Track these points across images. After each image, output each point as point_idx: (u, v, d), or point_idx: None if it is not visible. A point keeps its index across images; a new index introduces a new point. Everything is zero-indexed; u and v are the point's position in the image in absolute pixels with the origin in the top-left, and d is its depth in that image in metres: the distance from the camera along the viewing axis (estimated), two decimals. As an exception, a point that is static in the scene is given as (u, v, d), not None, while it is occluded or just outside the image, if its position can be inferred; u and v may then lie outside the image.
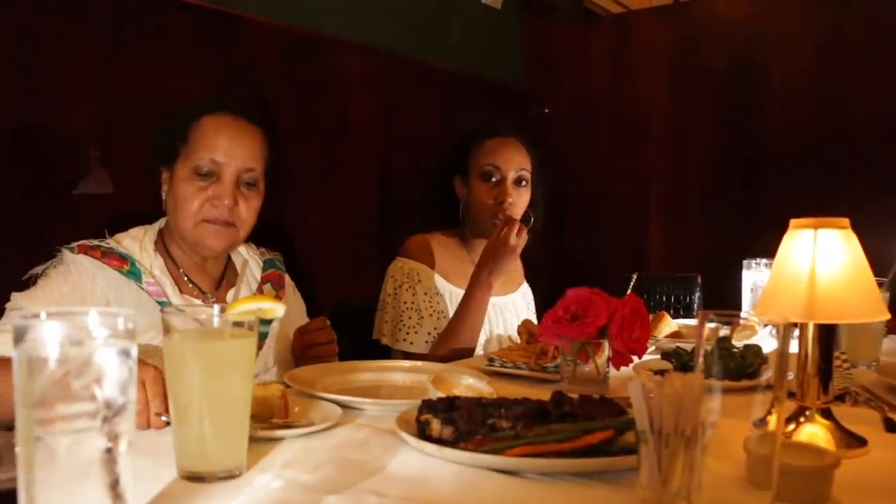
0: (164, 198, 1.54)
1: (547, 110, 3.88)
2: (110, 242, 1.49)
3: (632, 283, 1.73)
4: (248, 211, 1.52)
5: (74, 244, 1.45)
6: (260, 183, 1.55)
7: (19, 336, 0.58)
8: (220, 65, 2.27)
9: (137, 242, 1.51)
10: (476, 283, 1.89)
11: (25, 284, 1.45)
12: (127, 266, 1.45)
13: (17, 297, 1.38)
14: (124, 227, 1.56)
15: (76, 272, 1.41)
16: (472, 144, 2.10)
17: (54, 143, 1.88)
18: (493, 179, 2.05)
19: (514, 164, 2.05)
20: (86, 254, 1.43)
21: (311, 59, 2.61)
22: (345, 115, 2.77)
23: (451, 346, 1.87)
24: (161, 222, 1.59)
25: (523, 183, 2.07)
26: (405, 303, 2.01)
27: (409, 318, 2.00)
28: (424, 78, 3.14)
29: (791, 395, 1.03)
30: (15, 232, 1.80)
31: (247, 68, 2.36)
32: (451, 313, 1.99)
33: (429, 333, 1.98)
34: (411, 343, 1.98)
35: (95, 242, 1.47)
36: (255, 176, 1.53)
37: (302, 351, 1.57)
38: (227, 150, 1.48)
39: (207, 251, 1.53)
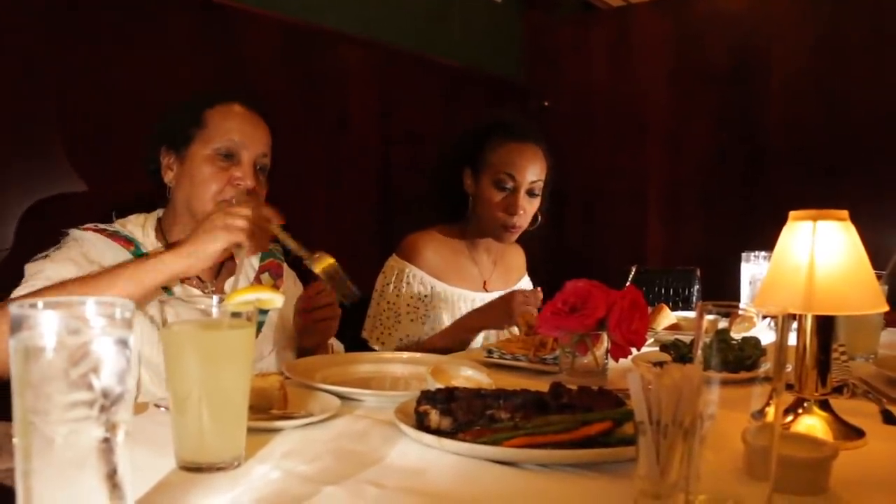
0: (168, 182, 1.54)
1: (546, 104, 3.87)
2: (115, 225, 1.50)
3: (631, 276, 1.73)
4: (260, 196, 1.54)
5: (81, 227, 1.46)
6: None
7: (16, 325, 0.58)
8: (221, 58, 2.26)
9: (140, 228, 1.53)
10: (468, 326, 1.88)
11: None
12: (132, 248, 1.46)
13: (33, 265, 1.38)
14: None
15: (86, 246, 1.42)
16: (489, 140, 2.02)
17: (50, 136, 1.87)
18: (507, 187, 1.98)
19: (531, 174, 1.98)
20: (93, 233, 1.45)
21: (312, 52, 2.60)
22: (345, 108, 2.76)
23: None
24: (159, 212, 1.59)
25: (535, 192, 2.01)
26: (388, 302, 2.00)
27: (388, 318, 2.00)
28: (425, 72, 3.13)
29: (789, 386, 1.03)
30: (12, 226, 1.80)
31: (247, 62, 2.36)
32: (439, 314, 1.99)
33: (400, 339, 1.97)
34: (383, 343, 1.98)
35: (102, 226, 1.48)
36: (267, 162, 1.57)
37: (305, 318, 1.57)
38: (247, 134, 1.51)
39: None
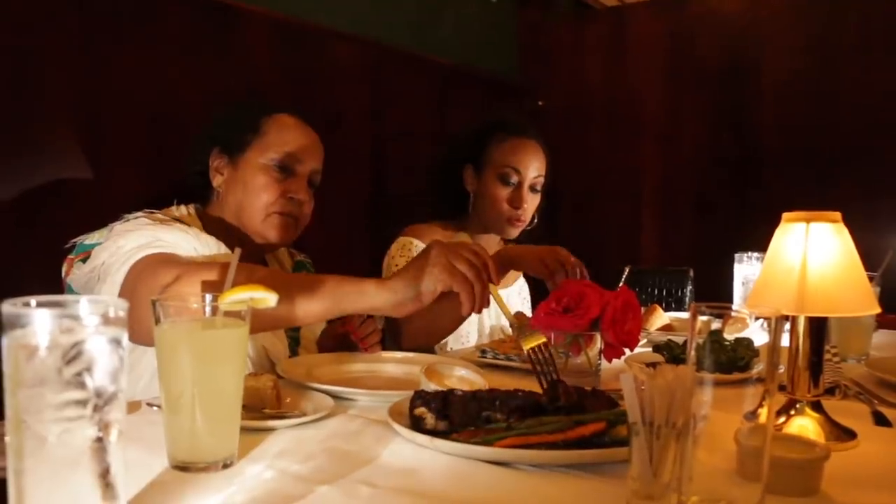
0: (216, 186, 1.51)
1: (541, 103, 3.88)
2: (171, 212, 1.48)
3: (624, 276, 1.73)
4: (309, 210, 1.55)
5: (142, 211, 1.39)
6: None
7: (9, 323, 0.58)
8: (212, 54, 2.26)
9: (188, 217, 1.48)
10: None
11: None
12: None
13: (134, 235, 1.26)
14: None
15: (157, 218, 1.37)
16: (491, 138, 2.05)
17: (47, 132, 1.86)
18: (512, 182, 2.01)
19: (534, 169, 2.02)
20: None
21: (304, 49, 2.59)
22: (337, 106, 2.75)
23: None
24: (197, 206, 1.55)
25: (538, 188, 2.05)
26: (396, 266, 1.96)
27: None
28: (418, 70, 3.12)
29: (782, 388, 1.03)
30: (8, 223, 1.78)
31: (238, 59, 2.35)
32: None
33: None
34: None
35: (158, 213, 1.43)
36: (319, 179, 1.57)
37: (338, 342, 1.59)
38: (306, 148, 1.52)
39: (267, 244, 1.53)
